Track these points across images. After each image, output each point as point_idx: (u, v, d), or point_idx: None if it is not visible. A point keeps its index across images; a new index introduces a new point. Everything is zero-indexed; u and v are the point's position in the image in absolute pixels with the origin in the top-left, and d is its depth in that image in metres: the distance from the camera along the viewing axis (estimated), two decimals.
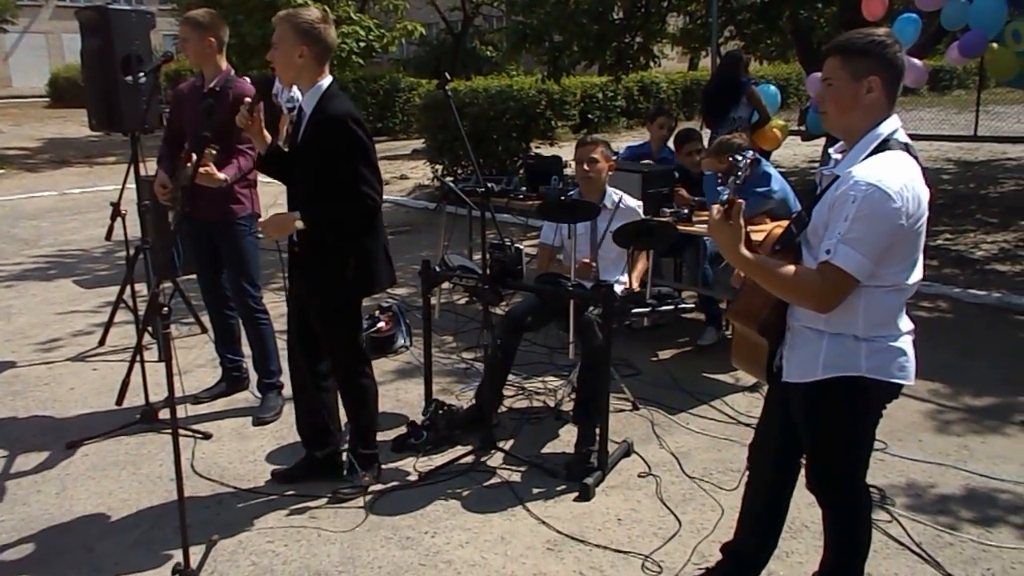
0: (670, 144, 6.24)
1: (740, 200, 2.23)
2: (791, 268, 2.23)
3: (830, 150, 2.41)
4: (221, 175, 3.86)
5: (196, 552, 2.98)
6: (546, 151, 10.99)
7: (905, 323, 2.30)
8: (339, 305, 3.43)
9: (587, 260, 4.18)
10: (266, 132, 3.36)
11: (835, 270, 2.13)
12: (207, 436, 4.10)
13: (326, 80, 3.25)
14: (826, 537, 2.54)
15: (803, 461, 2.57)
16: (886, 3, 6.48)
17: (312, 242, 3.32)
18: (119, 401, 3.41)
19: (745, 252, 2.24)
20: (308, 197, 3.28)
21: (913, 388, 4.02)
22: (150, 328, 4.65)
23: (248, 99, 3.31)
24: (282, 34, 3.19)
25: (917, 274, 2.26)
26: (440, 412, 4.03)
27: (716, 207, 2.25)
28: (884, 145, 2.21)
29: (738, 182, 2.25)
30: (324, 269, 3.34)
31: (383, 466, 3.70)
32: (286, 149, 3.49)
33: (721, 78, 7.69)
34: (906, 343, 2.30)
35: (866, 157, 2.20)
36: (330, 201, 3.22)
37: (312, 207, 3.23)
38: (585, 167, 4.28)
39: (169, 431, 3.65)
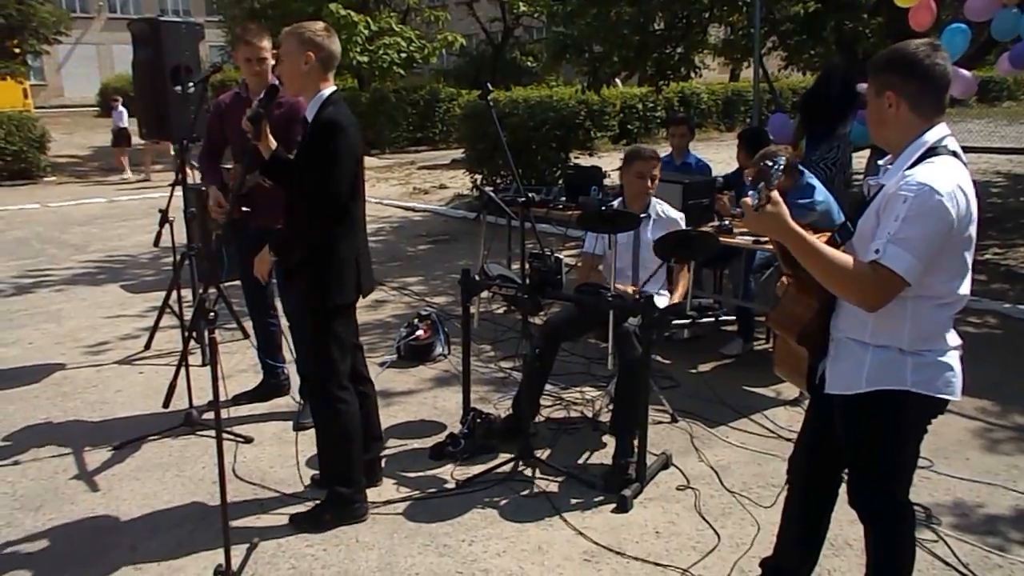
0: (693, 150, 6.21)
1: (772, 191, 2.16)
2: (844, 257, 2.16)
3: (879, 162, 2.38)
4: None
5: (237, 554, 3.03)
6: (585, 161, 11.00)
7: (953, 338, 2.26)
8: (310, 314, 3.38)
9: (632, 288, 4.13)
10: (271, 139, 3.37)
11: (884, 270, 2.08)
12: (248, 440, 4.16)
13: (328, 89, 3.29)
14: (868, 555, 2.49)
15: (845, 476, 2.53)
16: (934, 13, 6.37)
17: (285, 252, 3.41)
18: (166, 404, 3.49)
19: (796, 227, 2.14)
20: (292, 202, 3.33)
21: (960, 405, 3.94)
22: (194, 333, 4.74)
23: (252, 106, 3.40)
24: (288, 47, 3.27)
25: (966, 287, 2.22)
26: (478, 421, 4.05)
27: (746, 200, 2.18)
28: (931, 152, 2.17)
29: (769, 190, 2.20)
30: (296, 277, 3.39)
31: (419, 474, 3.72)
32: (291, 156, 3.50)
33: (827, 89, 6.47)
34: (953, 358, 2.26)
35: (913, 164, 2.17)
36: (303, 205, 3.24)
37: (291, 215, 3.32)
38: (649, 183, 4.25)
39: (211, 434, 3.72)
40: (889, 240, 2.08)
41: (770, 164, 2.22)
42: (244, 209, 4.09)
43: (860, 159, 11.21)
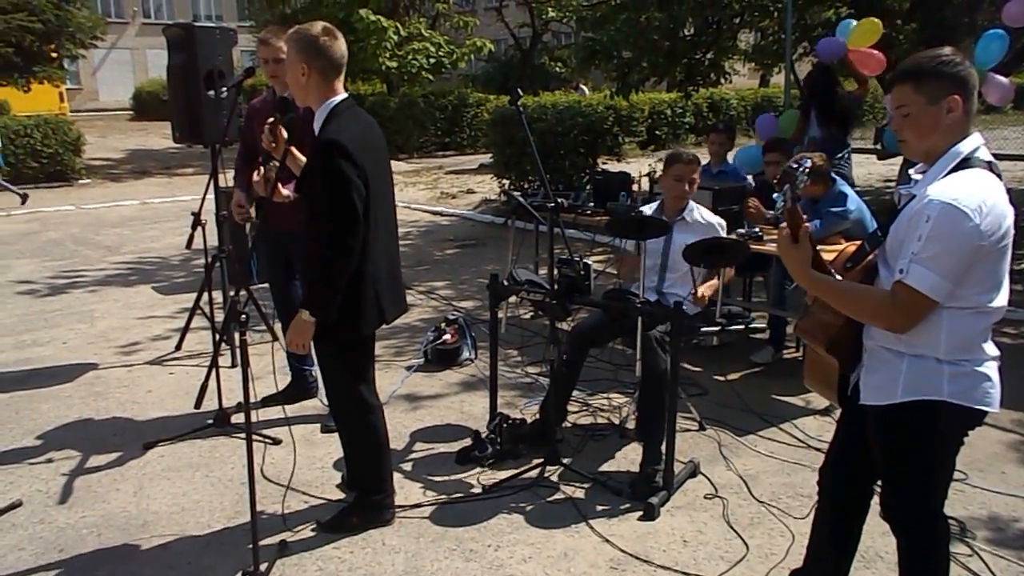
0: (730, 159, 6.22)
1: (807, 223, 2.20)
2: (863, 288, 2.19)
3: (910, 171, 2.35)
4: (285, 191, 3.95)
5: (265, 555, 3.05)
6: (613, 167, 10.97)
7: (991, 348, 2.22)
8: (326, 344, 3.20)
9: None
10: (296, 152, 3.23)
11: (909, 290, 2.08)
12: (277, 442, 4.19)
13: (338, 97, 3.07)
14: (901, 568, 2.45)
15: (877, 488, 2.49)
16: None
17: (322, 303, 3.08)
18: (197, 405, 3.53)
19: (813, 273, 2.21)
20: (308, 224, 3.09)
21: (996, 417, 3.87)
22: (224, 335, 4.78)
23: (269, 120, 3.31)
24: (288, 54, 3.08)
25: (1001, 299, 2.18)
26: (505, 426, 4.04)
27: (784, 226, 2.22)
28: (965, 163, 2.15)
29: (797, 191, 2.20)
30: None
31: (446, 479, 3.72)
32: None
33: (836, 88, 6.90)
34: (991, 369, 2.22)
35: (945, 175, 2.14)
36: (320, 230, 3.01)
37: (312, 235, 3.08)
38: (687, 187, 4.20)
39: (240, 435, 3.75)
40: (912, 259, 2.08)
41: (795, 167, 2.21)
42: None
43: (891, 166, 11.07)
